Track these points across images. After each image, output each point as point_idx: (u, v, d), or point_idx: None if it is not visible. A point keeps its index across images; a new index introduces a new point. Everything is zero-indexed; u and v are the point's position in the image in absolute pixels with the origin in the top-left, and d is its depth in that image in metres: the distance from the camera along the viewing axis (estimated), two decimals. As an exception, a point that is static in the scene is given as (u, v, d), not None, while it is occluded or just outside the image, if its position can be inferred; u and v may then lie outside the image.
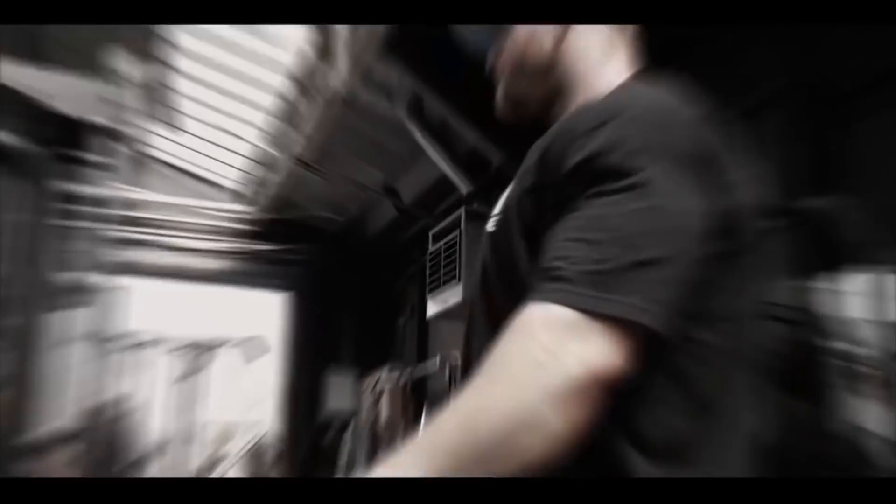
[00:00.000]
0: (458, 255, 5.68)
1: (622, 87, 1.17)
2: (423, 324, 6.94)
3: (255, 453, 8.60)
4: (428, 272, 6.13)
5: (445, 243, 5.92)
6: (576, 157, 0.97)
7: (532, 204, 1.08)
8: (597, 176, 0.94)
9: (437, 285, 5.90)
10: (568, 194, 0.97)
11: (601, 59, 1.23)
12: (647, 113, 0.99)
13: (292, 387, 9.29)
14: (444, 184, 6.28)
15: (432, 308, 5.98)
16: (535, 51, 1.25)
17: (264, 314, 9.68)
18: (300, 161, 6.92)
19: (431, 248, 6.20)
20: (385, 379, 7.35)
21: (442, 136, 5.90)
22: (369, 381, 7.64)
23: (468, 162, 5.91)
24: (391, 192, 7.42)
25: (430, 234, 6.42)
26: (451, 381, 5.64)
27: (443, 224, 6.20)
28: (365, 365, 8.87)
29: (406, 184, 7.16)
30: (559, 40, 1.24)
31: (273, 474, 8.43)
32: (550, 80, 1.27)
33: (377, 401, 7.16)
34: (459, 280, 5.58)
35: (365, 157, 6.93)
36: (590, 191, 0.94)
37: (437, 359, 6.01)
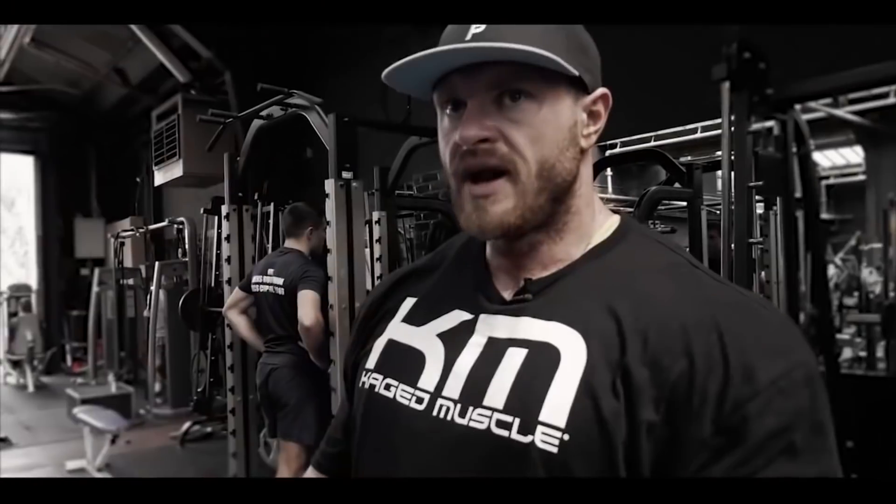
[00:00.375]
0: (177, 135, 6.32)
1: (730, 292, 0.70)
2: (156, 187, 7.48)
3: (15, 296, 8.85)
4: (153, 148, 6.71)
5: (167, 124, 6.50)
6: (763, 421, 0.62)
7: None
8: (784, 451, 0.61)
9: (162, 159, 6.53)
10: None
11: (592, 173, 0.80)
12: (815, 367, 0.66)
13: (46, 237, 9.63)
14: (165, 69, 6.48)
15: (159, 178, 6.64)
16: (563, 148, 0.72)
17: (10, 176, 9.70)
18: (32, 41, 7.00)
19: (155, 128, 6.74)
20: (129, 229, 7.93)
21: (158, 30, 6.27)
22: (114, 230, 8.17)
23: (183, 54, 6.38)
24: (119, 72, 7.71)
25: (153, 114, 6.91)
26: (178, 235, 6.38)
27: (163, 107, 6.73)
28: (110, 216, 9.43)
29: (133, 66, 7.46)
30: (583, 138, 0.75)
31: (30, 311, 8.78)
32: (566, 195, 0.76)
33: (122, 246, 7.69)
34: (179, 157, 6.27)
35: (92, 40, 7.12)
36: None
37: (167, 220, 6.67)
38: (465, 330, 0.75)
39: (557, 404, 0.65)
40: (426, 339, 0.77)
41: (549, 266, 0.76)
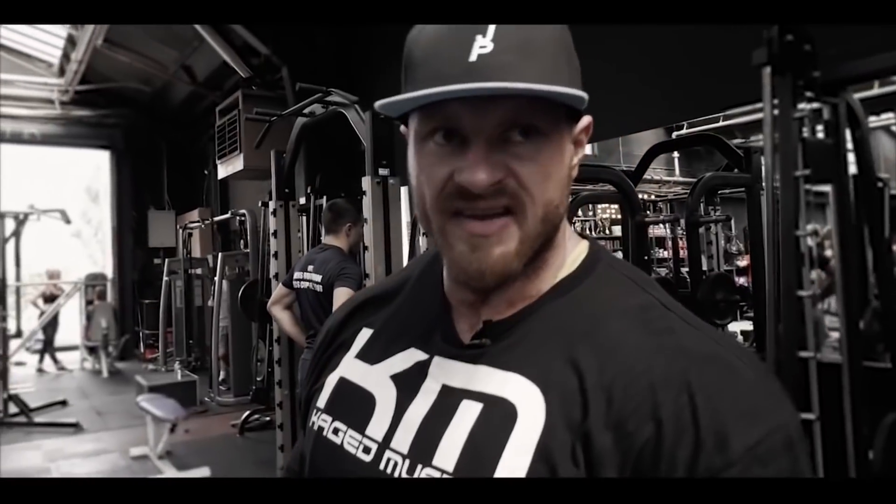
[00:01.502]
0: (238, 129, 6.45)
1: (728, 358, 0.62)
2: (221, 180, 7.70)
3: (91, 285, 9.28)
4: (216, 142, 6.88)
5: (228, 119, 6.66)
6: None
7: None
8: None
9: (224, 153, 6.69)
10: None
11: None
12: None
13: (120, 228, 10.07)
14: (229, 65, 6.58)
15: (222, 172, 6.81)
16: (560, 177, 0.66)
17: (94, 170, 10.18)
18: (106, 41, 7.32)
19: (218, 122, 6.91)
20: (196, 220, 8.20)
21: (220, 28, 6.43)
22: (183, 221, 8.46)
23: (244, 51, 6.52)
24: (186, 70, 7.96)
25: (217, 110, 7.09)
26: (241, 226, 6.54)
27: (225, 102, 6.88)
28: (180, 208, 9.77)
29: (199, 63, 7.69)
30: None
31: (103, 301, 9.19)
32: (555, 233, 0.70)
33: (190, 237, 7.96)
34: (240, 151, 6.41)
35: (162, 39, 7.37)
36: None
37: (230, 212, 6.84)
38: (419, 373, 0.70)
39: (511, 469, 0.60)
40: (378, 380, 0.73)
41: (516, 303, 0.69)
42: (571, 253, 0.72)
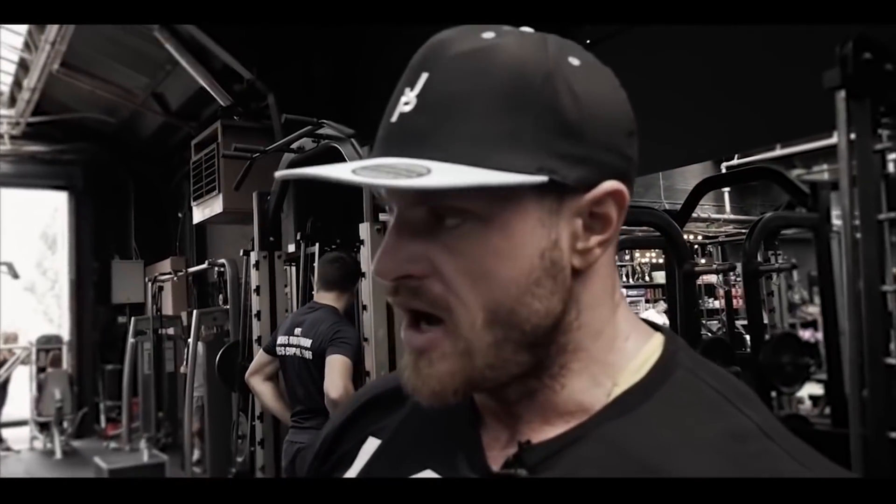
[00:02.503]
0: (216, 166, 6.47)
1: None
2: (197, 225, 7.69)
3: (44, 349, 9.26)
4: (191, 181, 6.90)
5: (206, 154, 6.68)
6: None
7: None
8: None
9: (201, 194, 6.70)
10: None
11: (609, 286, 0.65)
12: None
13: (79, 281, 10.06)
14: (207, 92, 6.57)
15: (198, 215, 6.81)
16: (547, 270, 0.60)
17: (50, 214, 10.23)
18: (63, 65, 7.40)
19: (194, 158, 6.94)
20: (168, 271, 8.19)
21: (196, 50, 6.49)
22: (153, 273, 8.45)
23: (224, 76, 6.57)
24: (158, 98, 8.04)
25: (192, 143, 7.13)
26: (220, 279, 6.52)
27: (202, 135, 6.92)
28: (149, 257, 9.77)
29: (172, 90, 7.76)
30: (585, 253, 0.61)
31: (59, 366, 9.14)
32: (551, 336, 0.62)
33: (160, 291, 7.93)
34: (219, 191, 6.41)
35: (128, 63, 7.46)
36: None
37: (207, 261, 6.83)
38: None
39: None
40: None
41: (554, 420, 0.62)
42: (637, 354, 0.64)
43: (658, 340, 0.66)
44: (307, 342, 3.08)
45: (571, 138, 0.58)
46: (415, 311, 0.61)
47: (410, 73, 0.60)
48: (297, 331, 3.15)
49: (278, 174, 0.62)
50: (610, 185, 0.60)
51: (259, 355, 3.32)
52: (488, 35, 0.60)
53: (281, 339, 3.20)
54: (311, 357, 3.06)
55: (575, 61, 0.60)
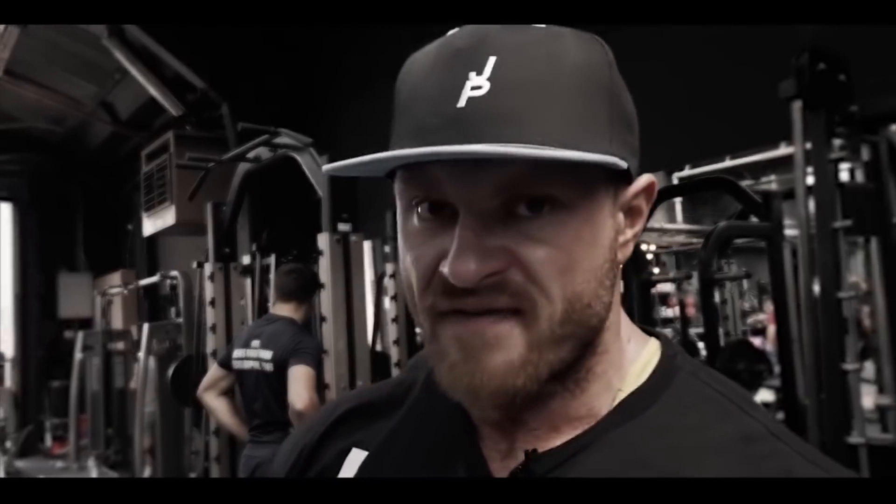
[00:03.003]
0: (168, 177, 6.36)
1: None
2: (149, 237, 7.55)
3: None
4: (142, 192, 6.77)
5: (157, 165, 6.56)
6: None
7: None
8: None
9: (152, 205, 6.58)
10: None
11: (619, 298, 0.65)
12: None
13: (24, 295, 9.79)
14: (158, 102, 6.48)
15: (148, 227, 6.68)
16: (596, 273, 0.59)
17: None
18: (7, 73, 7.22)
19: (145, 169, 6.81)
20: (118, 284, 8.02)
21: (147, 58, 6.38)
22: (102, 286, 8.27)
23: (176, 85, 6.47)
24: (107, 107, 7.88)
25: (143, 154, 7.00)
26: (172, 291, 6.41)
27: (153, 145, 6.80)
28: (97, 270, 9.56)
29: (122, 100, 7.62)
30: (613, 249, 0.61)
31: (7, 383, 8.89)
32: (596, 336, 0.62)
33: (109, 304, 7.76)
34: (171, 202, 6.29)
35: (76, 72, 7.31)
36: None
37: (159, 274, 6.72)
38: None
39: None
40: None
41: (562, 428, 0.60)
42: (637, 358, 0.63)
43: (655, 343, 0.65)
44: (267, 354, 3.03)
45: (630, 129, 0.59)
46: (482, 306, 0.56)
47: (467, 58, 0.56)
48: (255, 343, 3.09)
49: (331, 167, 0.57)
50: (647, 178, 0.61)
51: (213, 370, 3.26)
52: (538, 26, 0.58)
53: (238, 353, 3.14)
54: (271, 369, 3.00)
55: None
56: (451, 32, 0.60)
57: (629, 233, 0.61)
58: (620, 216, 0.60)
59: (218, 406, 3.19)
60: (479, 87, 0.54)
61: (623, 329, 0.63)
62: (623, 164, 0.54)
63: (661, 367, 0.62)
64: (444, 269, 0.55)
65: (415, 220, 0.59)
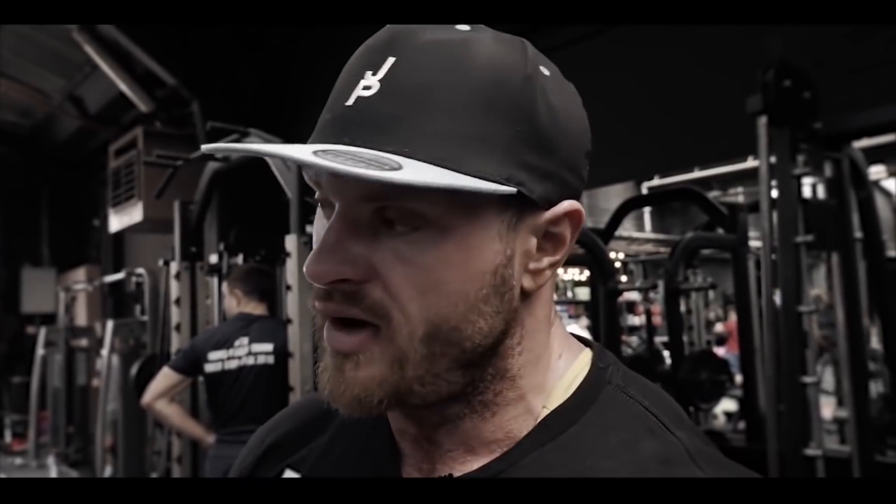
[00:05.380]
0: (136, 174, 6.28)
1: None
2: (115, 233, 7.46)
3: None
4: (110, 188, 6.69)
5: (125, 161, 6.49)
6: None
7: None
8: None
9: (120, 201, 6.50)
10: None
11: (548, 309, 0.63)
12: None
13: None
14: (127, 97, 6.39)
15: (115, 223, 6.60)
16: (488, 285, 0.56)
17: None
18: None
19: (112, 164, 6.73)
20: (82, 280, 7.91)
21: (117, 53, 6.30)
22: (66, 282, 8.15)
23: (146, 81, 6.40)
24: (75, 100, 7.77)
25: (111, 149, 6.91)
26: (138, 289, 6.33)
27: (121, 141, 6.72)
28: (61, 265, 9.42)
29: (90, 94, 7.52)
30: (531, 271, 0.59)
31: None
32: (489, 359, 0.59)
33: (73, 301, 7.66)
34: (139, 199, 6.22)
35: (44, 65, 7.20)
36: None
37: (124, 271, 6.64)
38: None
39: None
40: None
41: (478, 450, 0.59)
42: (566, 373, 0.62)
43: (587, 356, 0.64)
44: (268, 347, 3.00)
45: (542, 150, 0.55)
46: (337, 312, 0.56)
47: (371, 56, 0.55)
48: (243, 341, 3.08)
49: (209, 147, 0.56)
50: (569, 204, 0.58)
51: (169, 377, 3.12)
52: (463, 28, 0.56)
53: (216, 355, 3.07)
54: (273, 362, 2.99)
55: (546, 71, 0.58)
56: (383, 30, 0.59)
57: (545, 261, 0.59)
58: (532, 241, 0.58)
59: (173, 412, 3.14)
60: (369, 87, 0.54)
61: (554, 348, 0.62)
62: (506, 189, 0.52)
63: (587, 383, 0.61)
64: (304, 268, 0.55)
65: (317, 213, 0.60)
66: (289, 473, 0.68)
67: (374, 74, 0.54)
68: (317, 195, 0.59)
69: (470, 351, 0.56)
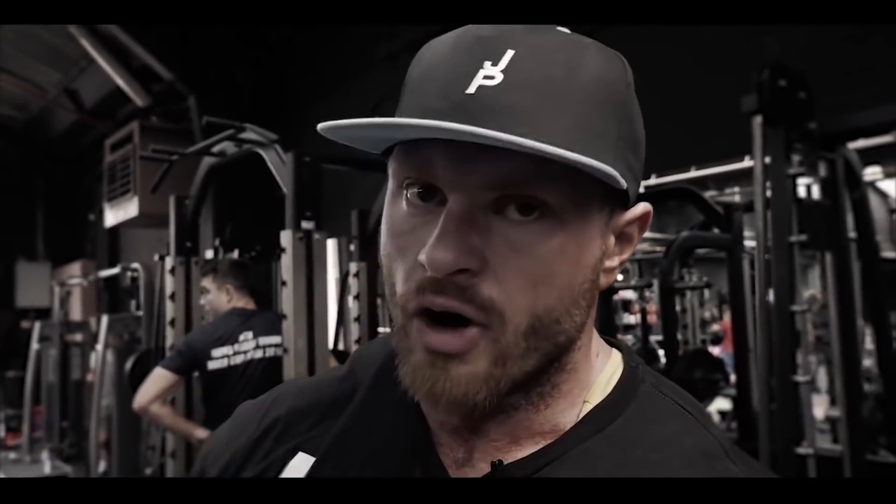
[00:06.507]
0: (132, 168, 6.28)
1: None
2: (111, 228, 7.44)
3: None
4: (105, 182, 6.69)
5: (121, 156, 6.49)
6: None
7: None
8: None
9: (115, 196, 6.50)
10: None
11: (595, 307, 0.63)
12: None
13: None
14: (123, 91, 6.43)
15: (111, 218, 6.60)
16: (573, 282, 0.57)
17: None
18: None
19: (108, 159, 6.73)
20: (77, 275, 7.89)
21: (114, 47, 6.29)
22: (61, 276, 8.13)
23: (143, 75, 6.39)
24: (71, 94, 7.76)
25: (107, 143, 6.91)
26: (133, 284, 6.32)
27: (117, 135, 6.72)
28: (56, 259, 9.41)
29: (87, 88, 7.50)
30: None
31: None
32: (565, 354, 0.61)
33: (68, 295, 7.63)
34: (135, 193, 6.22)
35: (41, 58, 7.19)
36: None
37: (120, 265, 6.63)
38: None
39: None
40: None
41: (524, 441, 0.60)
42: (601, 372, 0.64)
43: (618, 355, 0.66)
44: (276, 339, 2.97)
45: (636, 153, 0.58)
46: (447, 308, 0.54)
47: (485, 48, 0.55)
48: (247, 335, 3.09)
49: (326, 125, 0.54)
50: (644, 207, 0.61)
51: (165, 378, 3.06)
52: (563, 30, 0.58)
53: (221, 351, 3.06)
54: (283, 354, 2.99)
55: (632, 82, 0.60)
56: (472, 25, 0.59)
57: (616, 259, 0.60)
58: (612, 239, 0.59)
59: (166, 413, 3.11)
60: (491, 77, 0.53)
61: (593, 346, 0.63)
62: (622, 183, 0.52)
63: (625, 379, 0.63)
64: (422, 256, 0.53)
65: (403, 204, 0.58)
66: (301, 457, 0.67)
67: (494, 65, 0.54)
68: (406, 182, 0.58)
69: (560, 346, 0.58)
